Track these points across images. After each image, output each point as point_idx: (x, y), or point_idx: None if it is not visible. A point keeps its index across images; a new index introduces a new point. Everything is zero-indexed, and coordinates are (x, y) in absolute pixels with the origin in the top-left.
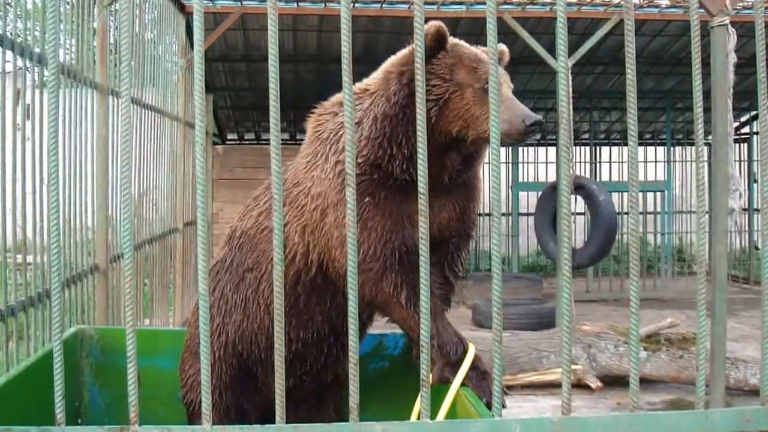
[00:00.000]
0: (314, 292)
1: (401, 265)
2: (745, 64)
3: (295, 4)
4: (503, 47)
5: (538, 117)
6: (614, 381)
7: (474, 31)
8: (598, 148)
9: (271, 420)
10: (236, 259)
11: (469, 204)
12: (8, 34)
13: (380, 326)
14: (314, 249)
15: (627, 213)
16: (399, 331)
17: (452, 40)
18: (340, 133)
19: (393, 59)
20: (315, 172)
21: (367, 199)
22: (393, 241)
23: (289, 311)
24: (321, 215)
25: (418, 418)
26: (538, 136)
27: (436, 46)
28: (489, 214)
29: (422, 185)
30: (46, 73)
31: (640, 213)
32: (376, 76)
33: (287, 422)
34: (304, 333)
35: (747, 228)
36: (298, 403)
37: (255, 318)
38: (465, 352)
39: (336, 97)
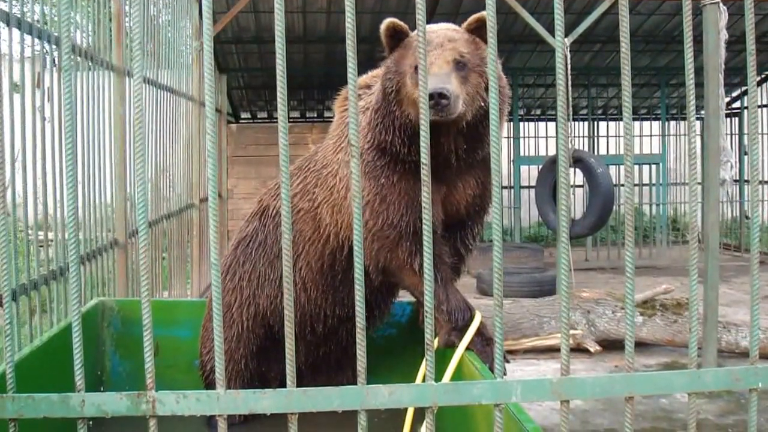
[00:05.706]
0: (350, 270)
1: (416, 235)
2: (736, 42)
3: None
4: (480, 14)
5: (431, 90)
6: (612, 345)
7: (477, 9)
8: (595, 122)
9: None
10: (271, 237)
11: (489, 178)
12: (27, 18)
13: None
14: (344, 228)
15: (623, 185)
16: (405, 299)
17: (417, 30)
18: (360, 118)
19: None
20: (340, 154)
21: (383, 180)
22: (409, 215)
23: (326, 289)
24: (346, 193)
25: (423, 381)
26: (539, 112)
27: (390, 42)
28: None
29: (425, 156)
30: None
31: (636, 185)
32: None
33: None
34: (339, 309)
35: (738, 198)
36: (317, 368)
37: None
38: (471, 318)
39: (361, 80)
